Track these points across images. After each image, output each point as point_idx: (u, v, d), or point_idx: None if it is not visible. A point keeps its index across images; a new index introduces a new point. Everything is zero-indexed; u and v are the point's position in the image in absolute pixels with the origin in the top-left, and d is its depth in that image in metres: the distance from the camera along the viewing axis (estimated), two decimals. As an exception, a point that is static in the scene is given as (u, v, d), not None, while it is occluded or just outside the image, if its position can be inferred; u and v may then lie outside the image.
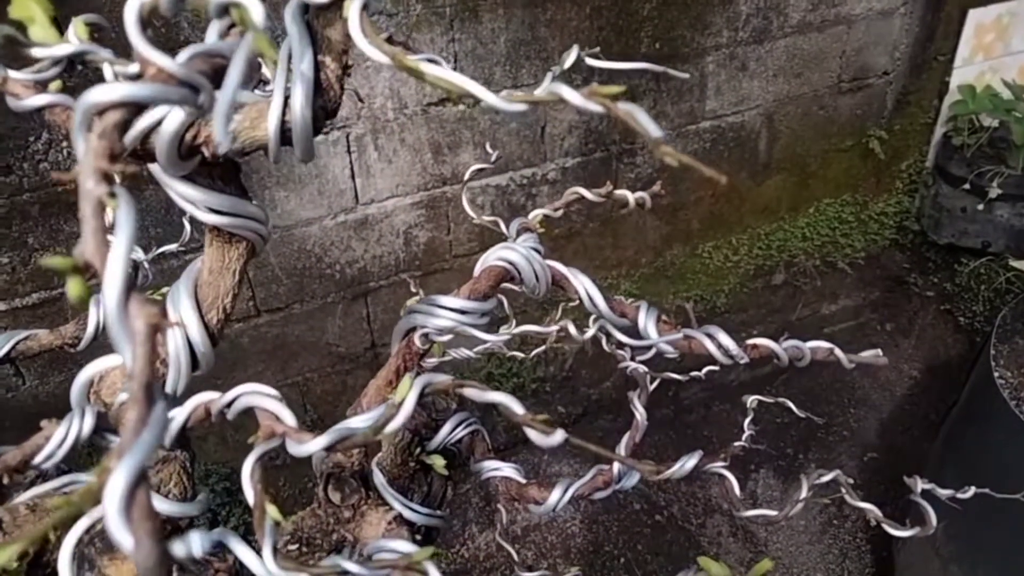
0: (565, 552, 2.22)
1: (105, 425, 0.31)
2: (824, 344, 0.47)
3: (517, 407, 0.31)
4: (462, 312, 0.39)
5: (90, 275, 0.18)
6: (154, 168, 0.31)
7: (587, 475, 0.57)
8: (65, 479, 0.45)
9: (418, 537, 0.62)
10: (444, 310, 0.39)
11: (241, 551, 0.39)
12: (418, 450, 0.60)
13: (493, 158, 0.60)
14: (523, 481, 0.58)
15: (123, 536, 0.15)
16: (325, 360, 2.01)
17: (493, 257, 0.41)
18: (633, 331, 0.52)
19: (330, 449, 0.29)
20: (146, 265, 0.72)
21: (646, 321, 0.42)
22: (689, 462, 0.63)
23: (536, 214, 0.50)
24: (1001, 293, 2.55)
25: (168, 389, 0.32)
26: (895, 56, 2.41)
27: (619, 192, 0.53)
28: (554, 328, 0.40)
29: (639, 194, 0.53)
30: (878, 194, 2.71)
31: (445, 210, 1.93)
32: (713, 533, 2.36)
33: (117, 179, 0.20)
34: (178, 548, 0.22)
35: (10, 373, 1.65)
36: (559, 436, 0.29)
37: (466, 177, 0.58)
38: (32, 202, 1.51)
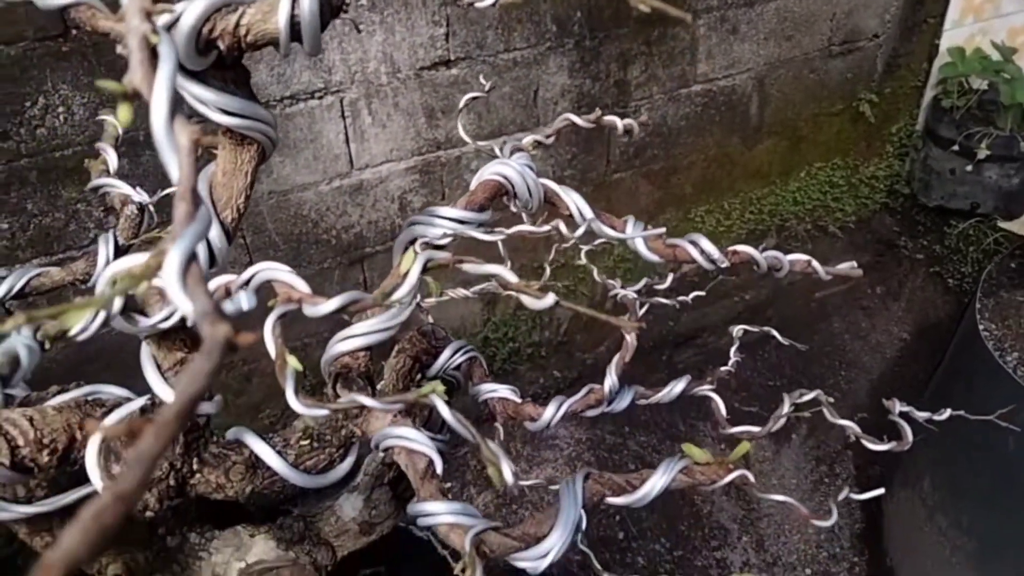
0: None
1: (132, 306, 0.34)
2: (802, 256, 0.49)
3: (511, 276, 0.33)
4: (460, 222, 0.41)
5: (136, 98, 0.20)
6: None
7: (579, 393, 0.60)
8: (88, 388, 0.47)
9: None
10: (443, 219, 0.41)
11: (255, 444, 0.42)
12: (418, 376, 0.63)
13: (487, 87, 0.62)
14: (519, 400, 0.61)
15: (181, 299, 0.17)
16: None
17: (489, 172, 0.43)
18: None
19: (341, 309, 0.31)
20: (151, 208, 0.74)
21: (633, 231, 0.45)
22: (678, 386, 0.66)
23: (529, 139, 0.52)
24: (989, 254, 2.58)
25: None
26: (885, 19, 2.42)
27: (608, 118, 0.55)
28: (546, 228, 0.43)
29: (627, 121, 0.55)
30: (869, 158, 2.74)
31: (439, 175, 1.95)
32: (706, 492, 2.41)
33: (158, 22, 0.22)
34: (228, 305, 0.25)
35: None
36: (550, 299, 0.32)
37: (461, 105, 0.60)
38: (30, 168, 1.52)
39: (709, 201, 2.48)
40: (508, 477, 0.31)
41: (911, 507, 1.94)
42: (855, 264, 0.50)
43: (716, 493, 2.41)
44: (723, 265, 0.45)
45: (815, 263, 0.49)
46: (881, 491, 0.51)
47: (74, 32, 1.45)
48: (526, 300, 0.33)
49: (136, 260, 0.37)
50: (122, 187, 0.74)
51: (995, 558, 1.67)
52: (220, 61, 0.32)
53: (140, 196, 0.74)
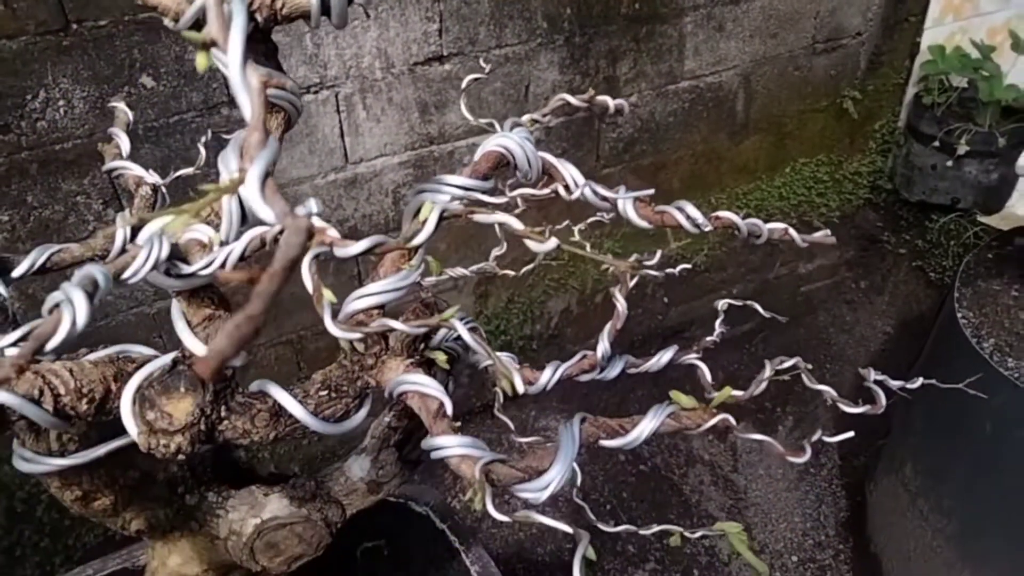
0: (552, 500, 2.30)
1: (177, 255, 0.37)
2: (780, 225, 0.53)
3: (516, 224, 0.37)
4: (466, 189, 0.45)
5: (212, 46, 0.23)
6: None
7: (574, 358, 0.64)
8: (116, 348, 0.51)
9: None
10: (450, 187, 0.45)
11: (278, 394, 0.46)
12: (422, 346, 0.66)
13: (487, 70, 0.66)
14: (516, 366, 0.65)
15: (261, 207, 0.21)
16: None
17: (492, 143, 0.47)
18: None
19: (368, 250, 0.35)
20: (163, 189, 0.78)
21: (625, 201, 0.48)
22: (666, 355, 0.70)
23: (526, 118, 0.56)
24: (969, 248, 2.65)
25: (223, 236, 0.38)
26: (868, 17, 2.47)
27: (600, 98, 0.59)
28: (547, 191, 0.46)
29: (618, 100, 0.59)
30: (852, 154, 2.79)
31: (432, 169, 1.99)
32: (695, 482, 2.45)
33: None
34: (300, 209, 0.28)
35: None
36: (552, 242, 0.36)
37: (463, 85, 0.64)
38: (30, 160, 1.55)
39: (696, 196, 2.52)
40: (519, 387, 0.35)
41: (894, 494, 2.00)
42: (828, 232, 0.54)
43: (704, 484, 2.46)
44: (707, 229, 0.49)
45: (792, 231, 0.53)
46: (851, 434, 0.55)
47: (75, 27, 1.47)
48: (531, 244, 0.37)
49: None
50: (136, 169, 0.77)
51: (976, 539, 1.72)
52: (253, 34, 0.36)
53: (153, 178, 0.77)
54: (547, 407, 2.58)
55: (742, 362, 2.80)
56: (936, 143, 2.52)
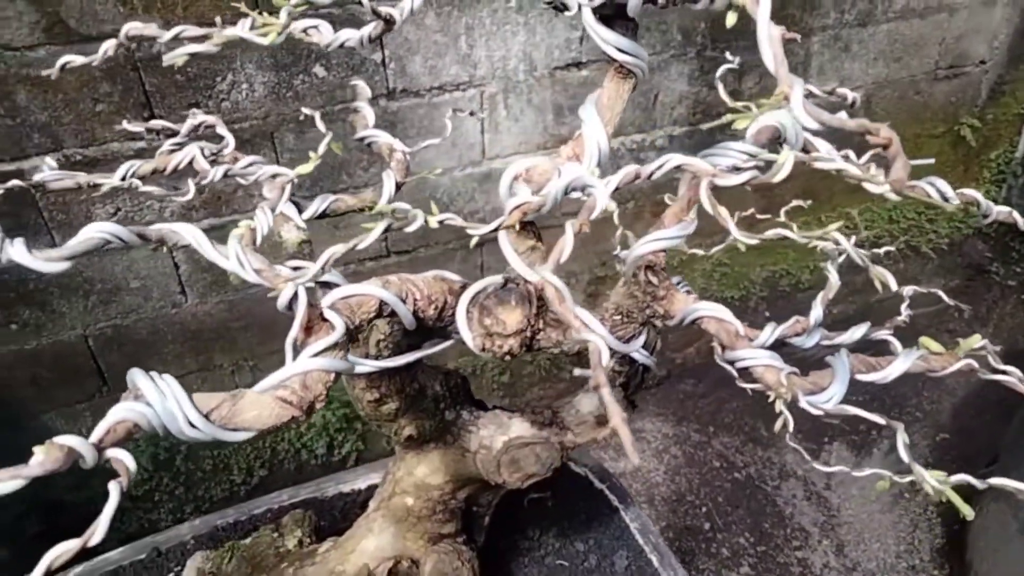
0: (649, 499, 2.36)
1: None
2: (1005, 208, 0.60)
3: (855, 169, 0.45)
4: (750, 155, 0.53)
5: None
6: (587, 19, 0.46)
7: (788, 321, 0.71)
8: (434, 272, 0.61)
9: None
10: (736, 152, 0.54)
11: (583, 314, 0.55)
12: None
13: (735, 62, 0.74)
14: (734, 324, 0.72)
15: (804, 115, 0.30)
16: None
17: (771, 119, 0.55)
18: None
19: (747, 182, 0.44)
20: (408, 156, 0.88)
21: (876, 170, 0.56)
22: (858, 331, 0.77)
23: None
24: (1085, 283, 2.60)
25: (589, 168, 0.47)
26: (993, 45, 2.47)
27: (841, 90, 0.66)
28: (840, 156, 0.54)
29: (853, 94, 0.66)
30: (966, 182, 2.78)
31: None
32: (788, 495, 2.47)
33: None
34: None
35: (176, 291, 1.86)
36: (887, 185, 0.44)
37: (718, 73, 0.73)
38: (212, 137, 1.71)
39: (807, 213, 2.56)
40: (893, 283, 0.43)
41: (1002, 521, 1.98)
42: (1050, 218, 0.60)
43: (797, 498, 2.47)
44: (955, 203, 0.56)
45: (1016, 214, 0.60)
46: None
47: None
48: (868, 186, 0.45)
49: (536, 161, 0.50)
50: (385, 137, 0.89)
51: (1089, 570, 1.71)
52: (623, 11, 0.45)
53: (400, 146, 0.88)
54: (644, 411, 2.64)
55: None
56: (1057, 175, 2.50)
